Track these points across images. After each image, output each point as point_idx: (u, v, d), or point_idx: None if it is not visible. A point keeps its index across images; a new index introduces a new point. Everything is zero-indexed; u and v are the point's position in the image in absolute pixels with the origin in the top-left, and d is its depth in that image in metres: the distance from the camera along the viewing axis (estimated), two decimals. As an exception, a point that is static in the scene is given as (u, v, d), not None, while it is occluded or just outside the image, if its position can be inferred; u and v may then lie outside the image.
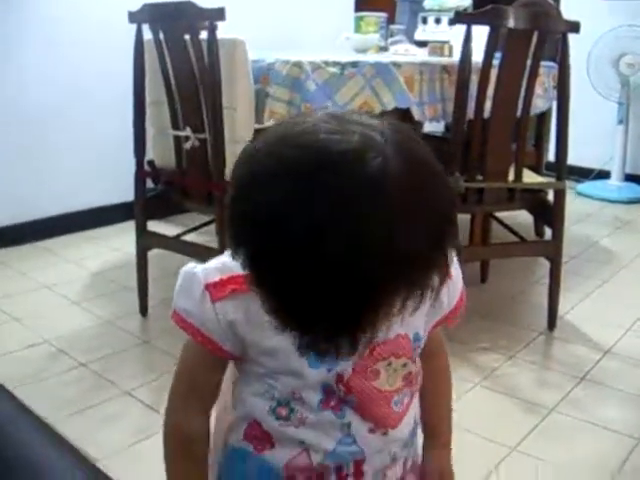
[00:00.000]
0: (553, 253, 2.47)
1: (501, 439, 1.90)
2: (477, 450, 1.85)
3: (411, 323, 0.84)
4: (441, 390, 1.02)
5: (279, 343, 0.81)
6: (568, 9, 3.46)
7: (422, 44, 3.24)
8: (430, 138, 3.46)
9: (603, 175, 4.69)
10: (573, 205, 4.00)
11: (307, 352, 0.76)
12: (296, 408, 0.85)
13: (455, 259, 0.77)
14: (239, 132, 2.25)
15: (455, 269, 0.83)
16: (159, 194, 2.66)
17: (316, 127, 0.66)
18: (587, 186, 4.63)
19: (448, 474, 1.03)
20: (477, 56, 2.27)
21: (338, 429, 0.85)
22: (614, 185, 4.59)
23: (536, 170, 2.79)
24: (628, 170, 4.63)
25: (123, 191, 3.09)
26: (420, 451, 1.01)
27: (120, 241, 3.52)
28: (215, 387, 0.93)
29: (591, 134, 4.65)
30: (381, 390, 0.85)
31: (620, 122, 4.54)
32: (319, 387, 0.84)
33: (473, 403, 2.10)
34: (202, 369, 0.92)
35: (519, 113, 2.37)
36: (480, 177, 2.35)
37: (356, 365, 0.83)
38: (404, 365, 0.86)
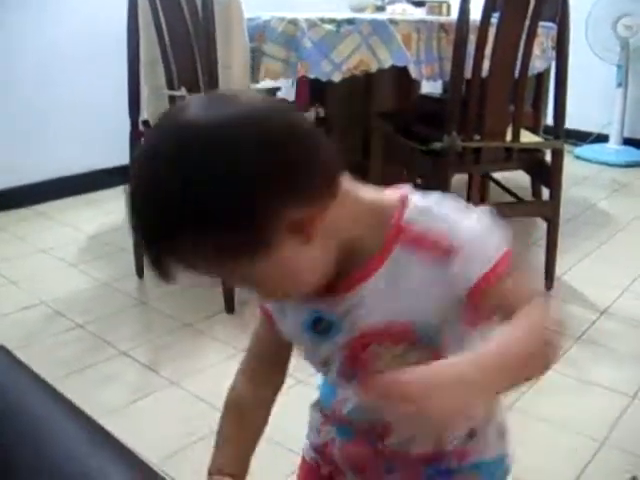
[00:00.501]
0: (550, 213, 2.47)
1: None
2: (473, 407, 1.86)
3: (411, 310, 0.79)
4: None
5: (286, 326, 0.87)
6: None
7: (419, 4, 3.20)
8: (428, 99, 3.44)
9: (601, 139, 4.67)
10: (571, 168, 3.97)
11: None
12: (331, 369, 0.88)
13: (471, 230, 0.75)
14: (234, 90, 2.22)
15: (467, 240, 0.75)
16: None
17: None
18: (585, 149, 4.61)
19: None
20: (475, 15, 2.25)
21: (352, 394, 0.88)
22: (612, 148, 4.56)
23: (534, 132, 2.77)
24: (626, 134, 4.60)
25: (120, 154, 3.07)
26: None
27: (117, 204, 3.51)
28: (280, 361, 0.95)
29: (590, 97, 4.62)
30: (384, 371, 0.82)
31: (619, 85, 4.50)
32: (336, 358, 0.85)
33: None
34: (266, 339, 0.94)
35: (517, 73, 2.35)
36: (477, 137, 2.34)
37: (351, 342, 0.82)
38: (408, 351, 0.81)
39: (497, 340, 0.70)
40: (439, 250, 0.75)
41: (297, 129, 0.72)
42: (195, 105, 0.70)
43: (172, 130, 0.69)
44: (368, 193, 0.79)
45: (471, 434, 0.90)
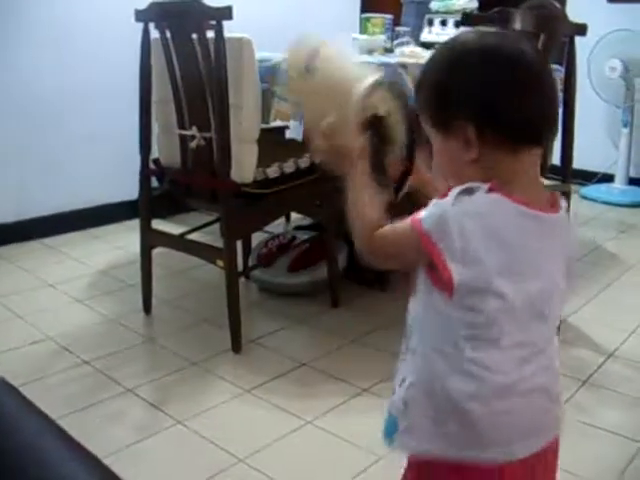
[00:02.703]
0: (557, 256, 2.47)
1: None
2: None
3: None
4: None
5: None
6: (571, 11, 3.45)
7: (428, 46, 3.23)
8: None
9: (607, 178, 4.68)
10: (577, 208, 3.97)
11: None
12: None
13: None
14: (245, 131, 2.25)
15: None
16: (164, 192, 2.67)
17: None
18: (591, 189, 4.62)
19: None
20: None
21: None
22: (618, 188, 4.57)
23: (540, 173, 2.78)
24: (632, 174, 4.62)
25: (128, 189, 3.10)
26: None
27: (124, 239, 3.53)
28: None
29: (595, 137, 4.65)
30: None
31: (625, 125, 4.53)
32: None
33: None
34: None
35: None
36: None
37: None
38: None
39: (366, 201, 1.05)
40: None
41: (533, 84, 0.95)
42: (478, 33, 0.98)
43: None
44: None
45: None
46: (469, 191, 0.91)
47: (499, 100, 0.93)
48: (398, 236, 0.99)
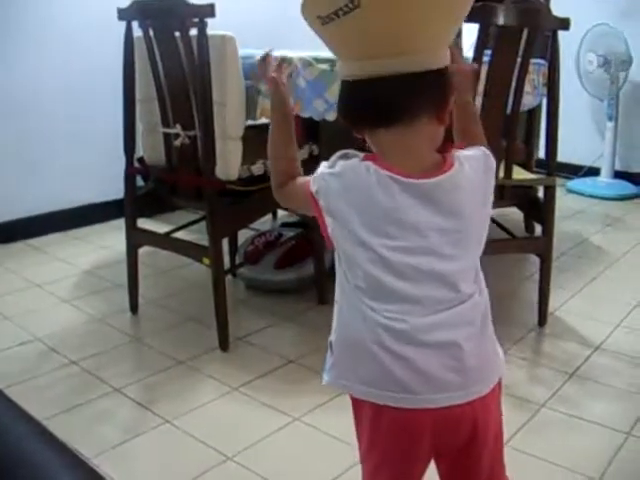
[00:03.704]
0: (543, 250, 2.48)
1: (492, 435, 1.90)
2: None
3: None
4: None
5: None
6: (557, 5, 3.47)
7: (412, 41, 3.23)
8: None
9: (593, 172, 4.70)
10: (563, 202, 4.01)
11: None
12: None
13: None
14: (229, 128, 2.24)
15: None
16: (149, 191, 2.66)
17: None
18: (577, 183, 4.64)
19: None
20: (466, 53, 2.27)
21: None
22: (604, 182, 4.59)
23: (526, 167, 2.79)
24: (618, 167, 4.64)
25: (113, 189, 3.09)
26: None
27: (110, 239, 3.52)
28: None
29: (581, 130, 4.66)
30: None
31: (610, 119, 4.55)
32: None
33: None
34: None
35: (509, 110, 2.37)
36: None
37: None
38: None
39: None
40: None
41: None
42: None
43: None
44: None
45: None
46: (346, 156, 1.09)
47: (340, 107, 1.13)
48: (300, 195, 1.13)
